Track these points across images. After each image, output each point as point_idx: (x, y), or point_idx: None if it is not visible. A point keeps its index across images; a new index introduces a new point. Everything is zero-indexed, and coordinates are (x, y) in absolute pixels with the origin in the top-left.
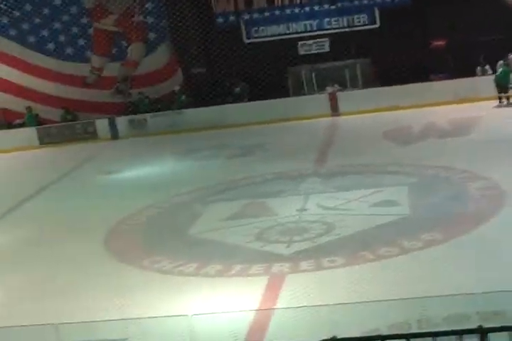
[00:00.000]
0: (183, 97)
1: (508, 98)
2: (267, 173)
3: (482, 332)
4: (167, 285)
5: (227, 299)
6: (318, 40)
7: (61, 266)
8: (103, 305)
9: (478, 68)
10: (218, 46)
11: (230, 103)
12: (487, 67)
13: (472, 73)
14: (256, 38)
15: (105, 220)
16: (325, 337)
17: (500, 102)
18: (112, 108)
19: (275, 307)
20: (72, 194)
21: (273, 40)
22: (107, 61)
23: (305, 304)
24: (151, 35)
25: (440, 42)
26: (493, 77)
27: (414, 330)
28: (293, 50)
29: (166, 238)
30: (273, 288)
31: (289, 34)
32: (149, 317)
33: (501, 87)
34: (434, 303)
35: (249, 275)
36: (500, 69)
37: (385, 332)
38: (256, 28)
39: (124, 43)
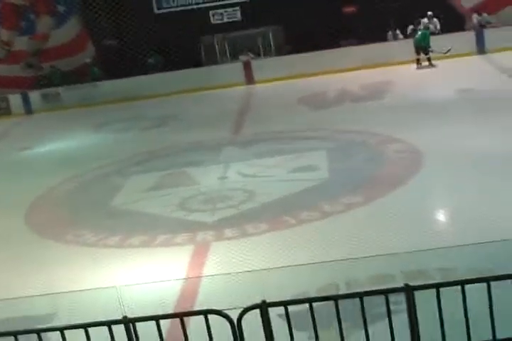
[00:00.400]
0: (96, 69)
1: (428, 60)
2: (184, 143)
3: (408, 290)
4: (92, 258)
5: (153, 269)
6: (229, 8)
7: None
8: (28, 280)
9: (389, 33)
10: (129, 17)
11: (144, 74)
12: (397, 31)
13: (383, 38)
14: (166, 8)
15: (23, 196)
16: (254, 302)
17: (418, 64)
18: (24, 82)
19: (202, 275)
20: None
21: (184, 10)
22: (15, 35)
23: (231, 271)
24: (60, 8)
25: (351, 8)
26: (407, 40)
27: (342, 292)
28: (205, 19)
29: (87, 211)
30: (199, 257)
31: (200, 3)
32: (77, 291)
33: (421, 48)
34: (359, 265)
35: (174, 245)
36: (419, 32)
37: (313, 294)
38: None
39: (33, 16)
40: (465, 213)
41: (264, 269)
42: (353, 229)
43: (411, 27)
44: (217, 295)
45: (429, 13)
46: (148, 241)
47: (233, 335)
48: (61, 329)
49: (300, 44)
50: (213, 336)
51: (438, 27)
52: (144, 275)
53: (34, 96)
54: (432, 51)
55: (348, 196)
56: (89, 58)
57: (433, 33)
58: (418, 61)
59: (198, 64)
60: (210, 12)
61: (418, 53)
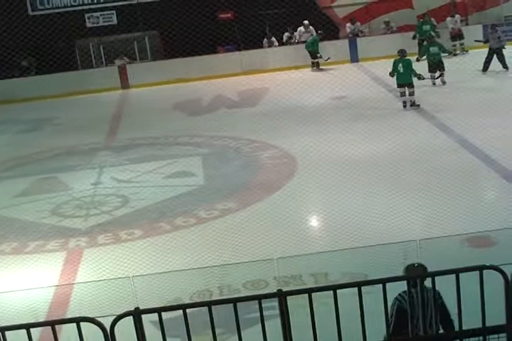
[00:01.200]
0: None
1: (316, 64)
2: (57, 148)
3: (281, 295)
4: None
5: (24, 277)
6: (105, 12)
7: None
8: None
9: (265, 40)
10: (2, 18)
11: (17, 77)
12: (273, 39)
13: (259, 45)
14: (41, 10)
15: None
16: (127, 309)
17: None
18: None
19: (74, 282)
20: None
21: (59, 12)
22: None
23: (105, 277)
24: None
25: (227, 14)
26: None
27: (216, 298)
28: (80, 22)
29: None
30: (71, 263)
31: (76, 6)
32: None
33: (310, 53)
34: (233, 270)
35: (46, 252)
36: (310, 38)
37: (186, 300)
38: (41, 0)
39: None
40: (336, 218)
41: (138, 275)
42: (227, 235)
43: (286, 34)
44: (89, 302)
45: (305, 21)
46: (20, 248)
47: None
48: None
49: (176, 49)
50: None
51: (314, 35)
52: (15, 283)
53: None
54: (319, 56)
55: (223, 202)
56: None
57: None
58: (313, 64)
59: (73, 67)
60: (86, 15)
61: (312, 57)
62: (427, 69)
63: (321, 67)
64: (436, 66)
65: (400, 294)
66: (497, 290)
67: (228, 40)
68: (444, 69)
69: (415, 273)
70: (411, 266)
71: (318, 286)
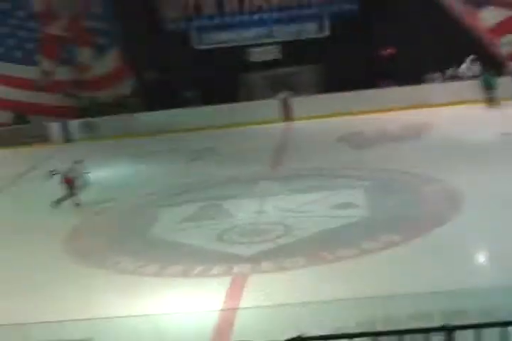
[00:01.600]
0: (134, 101)
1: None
2: (220, 177)
3: (448, 329)
4: (129, 285)
5: (190, 300)
6: (269, 47)
7: (21, 268)
8: (66, 305)
9: (428, 75)
10: (169, 51)
11: (182, 107)
12: (436, 74)
13: (422, 80)
14: (207, 44)
15: (63, 223)
16: (291, 336)
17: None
18: (64, 111)
19: (238, 307)
20: (26, 197)
21: (224, 47)
22: (56, 64)
23: (268, 304)
24: (102, 40)
25: (390, 50)
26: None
27: (380, 329)
28: (244, 56)
29: (126, 239)
30: (235, 289)
31: (241, 41)
32: (113, 317)
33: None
34: (397, 302)
35: (211, 276)
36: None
37: (350, 330)
38: (207, 35)
39: (74, 47)
40: (503, 255)
41: (300, 303)
42: (391, 267)
43: (450, 69)
44: (253, 327)
45: (471, 56)
46: (186, 272)
47: None
48: None
49: (338, 83)
50: None
51: (478, 71)
52: (180, 305)
53: (73, 125)
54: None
55: (387, 234)
56: (128, 89)
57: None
58: (488, 99)
59: (235, 99)
60: (250, 49)
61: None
62: None
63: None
64: None
65: None
66: None
67: (390, 75)
68: None
69: None
70: None
71: (487, 322)
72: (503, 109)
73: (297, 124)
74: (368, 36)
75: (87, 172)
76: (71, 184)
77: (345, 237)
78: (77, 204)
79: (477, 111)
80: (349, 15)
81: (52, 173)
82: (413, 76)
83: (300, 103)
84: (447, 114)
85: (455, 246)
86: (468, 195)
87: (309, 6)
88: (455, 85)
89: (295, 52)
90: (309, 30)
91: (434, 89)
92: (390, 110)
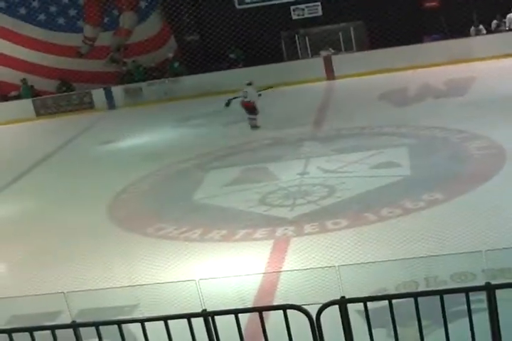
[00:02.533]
0: (177, 65)
1: None
2: (264, 138)
3: (489, 288)
4: (173, 251)
5: (233, 263)
6: (310, 4)
7: (65, 236)
8: (110, 272)
9: (472, 28)
10: (210, 13)
11: (225, 69)
12: (481, 27)
13: (466, 34)
14: (248, 3)
15: (106, 190)
16: (333, 298)
17: None
18: (107, 77)
19: (281, 270)
20: (70, 165)
21: (265, 6)
22: (99, 31)
23: (311, 266)
24: (142, 4)
25: (433, 3)
26: (491, 35)
27: (422, 289)
28: (286, 14)
29: (169, 205)
30: (278, 252)
31: None
32: (157, 283)
33: None
34: (439, 262)
35: (254, 240)
36: None
37: (392, 291)
38: None
39: (116, 12)
40: None
41: (344, 265)
42: (434, 226)
43: (495, 22)
44: (296, 290)
45: None
46: (228, 236)
47: (312, 331)
48: (141, 321)
49: (381, 39)
50: (291, 331)
51: None
52: (223, 270)
53: (117, 91)
54: None
55: (430, 193)
56: (171, 53)
57: None
58: None
59: (278, 59)
60: (291, 7)
61: None
62: None
63: None
64: None
65: None
66: None
67: (434, 28)
68: None
69: None
70: None
71: None
72: None
73: (339, 83)
74: None
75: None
76: (250, 108)
77: (388, 197)
78: (257, 127)
79: None
80: None
81: (227, 102)
82: (457, 29)
83: (342, 61)
84: (493, 68)
85: (499, 204)
86: None
87: None
88: (500, 37)
89: (336, 9)
90: None
91: (478, 42)
92: (433, 65)
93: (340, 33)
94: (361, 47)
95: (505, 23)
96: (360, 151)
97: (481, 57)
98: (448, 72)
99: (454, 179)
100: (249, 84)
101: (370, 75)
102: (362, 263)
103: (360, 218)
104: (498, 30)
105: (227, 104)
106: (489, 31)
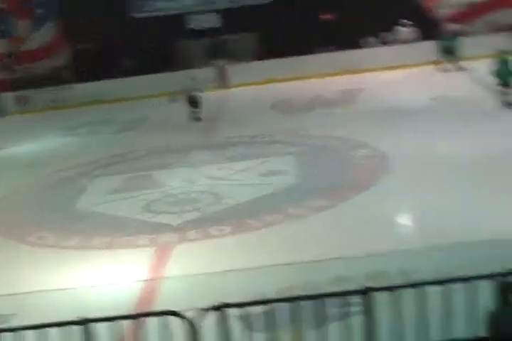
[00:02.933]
0: (68, 73)
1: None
2: (152, 146)
3: (366, 292)
4: (53, 259)
5: (114, 271)
6: (207, 14)
7: None
8: None
9: (365, 40)
10: (106, 21)
11: (117, 78)
12: (372, 39)
13: (359, 45)
14: (144, 12)
15: None
16: (215, 304)
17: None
18: None
19: (163, 276)
20: None
21: (162, 15)
22: None
23: (193, 273)
24: (39, 11)
25: (328, 16)
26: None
27: (301, 293)
28: (183, 24)
29: (50, 213)
30: (161, 259)
31: (178, 9)
32: (37, 291)
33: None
34: (319, 267)
35: (137, 247)
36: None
37: (273, 296)
38: (144, 3)
39: (12, 19)
40: (428, 217)
41: (225, 271)
42: (317, 233)
43: (386, 34)
44: (176, 296)
45: (405, 21)
46: (111, 243)
47: (190, 336)
48: (17, 330)
49: (276, 50)
50: (171, 337)
51: (413, 35)
52: (104, 277)
53: (6, 98)
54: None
55: (314, 199)
56: (63, 61)
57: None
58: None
59: (173, 68)
60: (188, 17)
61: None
62: None
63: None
64: None
65: (496, 309)
66: None
67: (329, 40)
68: None
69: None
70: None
71: (404, 283)
72: (435, 72)
73: (232, 92)
74: (306, 2)
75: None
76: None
77: (273, 204)
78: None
79: (409, 76)
80: None
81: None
82: (350, 41)
83: (236, 70)
84: (381, 79)
85: (381, 211)
86: (396, 159)
87: None
88: (390, 49)
89: (235, 19)
90: None
91: (369, 53)
92: (324, 76)
93: (236, 43)
94: (256, 57)
95: (394, 35)
96: (250, 159)
97: (370, 68)
98: (338, 83)
99: (339, 187)
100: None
101: (264, 84)
102: (242, 269)
103: (244, 225)
104: (387, 42)
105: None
106: (381, 43)
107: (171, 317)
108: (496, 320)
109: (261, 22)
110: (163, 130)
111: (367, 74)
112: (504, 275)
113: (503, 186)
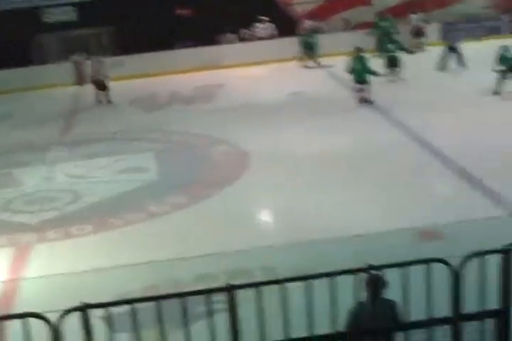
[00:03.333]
0: None
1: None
2: (11, 143)
3: (229, 289)
4: None
5: None
6: (64, 8)
7: None
8: None
9: (223, 36)
10: None
11: None
12: (232, 35)
13: (219, 41)
14: None
15: None
16: (78, 304)
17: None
18: None
19: (22, 277)
20: None
21: (17, 8)
22: None
23: (53, 273)
24: None
25: (185, 10)
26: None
27: (165, 292)
28: (37, 18)
29: None
30: (20, 259)
31: (33, 2)
32: None
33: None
34: (183, 265)
35: None
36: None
37: (135, 295)
38: None
39: None
40: (288, 213)
41: (87, 271)
42: (179, 230)
43: (245, 30)
44: (37, 298)
45: (263, 17)
46: None
47: (53, 338)
48: None
49: (134, 45)
50: (33, 340)
51: (272, 32)
52: None
53: None
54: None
55: (175, 196)
56: None
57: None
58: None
59: (28, 63)
60: (43, 11)
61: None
62: (384, 65)
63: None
64: (393, 63)
65: (356, 304)
66: (444, 283)
67: (187, 35)
68: (400, 67)
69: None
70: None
71: (266, 280)
72: (293, 69)
73: (90, 87)
74: None
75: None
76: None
77: (134, 202)
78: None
79: (267, 72)
80: None
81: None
82: (209, 37)
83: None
84: (240, 76)
85: (242, 207)
86: (255, 156)
87: None
88: (249, 46)
89: (91, 13)
90: None
91: (229, 50)
92: (183, 72)
93: (93, 38)
94: (113, 53)
95: (253, 31)
96: (109, 156)
97: (230, 64)
98: (197, 79)
99: (199, 183)
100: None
101: (121, 80)
102: (105, 268)
103: (105, 223)
104: (247, 39)
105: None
106: (240, 39)
107: (32, 319)
108: (355, 315)
109: (117, 16)
110: (22, 126)
111: (226, 71)
112: (366, 270)
113: (358, 182)
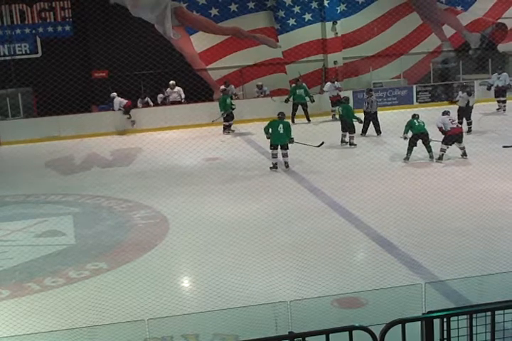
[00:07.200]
0: None
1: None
2: None
3: None
4: None
5: None
6: None
7: None
8: None
9: (139, 100)
10: None
11: None
12: (147, 99)
13: (134, 105)
14: None
15: None
16: None
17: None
18: None
19: None
20: None
21: None
22: None
23: None
24: None
25: (102, 73)
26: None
27: None
28: None
29: None
30: None
31: None
32: None
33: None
34: (102, 332)
35: None
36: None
37: None
38: None
39: None
40: (208, 279)
41: (3, 337)
42: (98, 296)
43: (160, 95)
44: None
45: (172, 82)
46: None
47: None
48: None
49: (50, 107)
50: None
51: (182, 96)
52: None
53: None
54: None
55: (94, 262)
56: None
57: (179, 102)
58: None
59: None
60: None
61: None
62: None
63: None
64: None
65: None
66: None
67: (103, 99)
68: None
69: None
70: None
71: None
72: (207, 134)
73: (4, 149)
74: (82, 58)
75: None
76: None
77: (52, 267)
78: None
79: (184, 137)
80: (63, 36)
81: None
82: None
83: (8, 127)
84: (156, 139)
85: (162, 273)
86: (175, 220)
87: (21, 26)
88: (165, 110)
89: (5, 73)
90: (20, 51)
91: (145, 114)
92: (100, 135)
93: (7, 99)
94: (29, 114)
95: (167, 96)
96: (25, 219)
97: (147, 128)
98: (114, 143)
99: (119, 248)
100: None
101: (37, 142)
102: (22, 335)
103: (22, 288)
104: (163, 103)
105: None
106: (156, 104)
107: None
108: None
109: (33, 78)
110: None
111: (144, 134)
112: (288, 338)
113: (276, 248)
